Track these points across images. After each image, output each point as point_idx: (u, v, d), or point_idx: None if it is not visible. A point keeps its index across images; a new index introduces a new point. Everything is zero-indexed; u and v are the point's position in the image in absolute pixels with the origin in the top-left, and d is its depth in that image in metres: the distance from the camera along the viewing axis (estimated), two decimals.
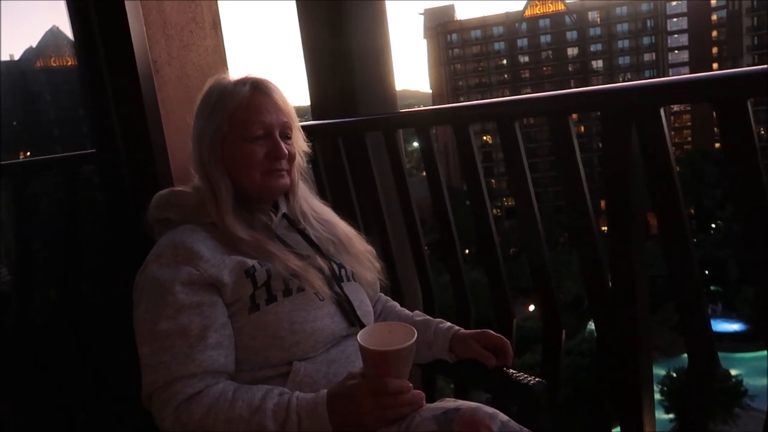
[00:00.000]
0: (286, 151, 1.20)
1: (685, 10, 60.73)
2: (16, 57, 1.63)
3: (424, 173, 1.88)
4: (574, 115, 1.49)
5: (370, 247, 1.36)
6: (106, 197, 1.72)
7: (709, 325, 1.31)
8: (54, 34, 1.66)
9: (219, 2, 1.82)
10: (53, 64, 1.74)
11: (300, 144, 1.27)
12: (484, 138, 53.24)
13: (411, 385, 0.97)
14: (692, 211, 37.71)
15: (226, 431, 0.97)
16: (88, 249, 1.82)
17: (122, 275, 1.19)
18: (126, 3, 1.47)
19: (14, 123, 1.78)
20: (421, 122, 1.90)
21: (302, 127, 1.28)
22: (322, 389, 1.00)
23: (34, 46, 1.67)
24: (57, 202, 1.86)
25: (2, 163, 1.74)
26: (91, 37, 1.50)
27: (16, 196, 1.77)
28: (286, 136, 1.22)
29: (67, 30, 1.58)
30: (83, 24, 1.51)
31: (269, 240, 1.19)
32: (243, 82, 1.21)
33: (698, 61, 57.42)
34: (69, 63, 1.71)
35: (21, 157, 1.85)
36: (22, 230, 1.72)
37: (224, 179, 1.19)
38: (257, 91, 1.20)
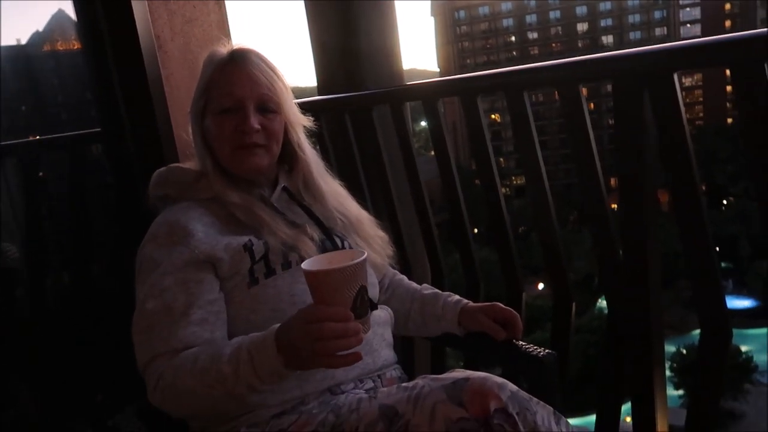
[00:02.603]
0: (257, 126, 1.13)
1: None
2: (23, 41, 1.62)
3: (433, 153, 1.85)
4: (585, 91, 1.45)
5: (382, 233, 1.32)
6: (112, 174, 1.71)
7: (723, 298, 1.29)
8: (60, 17, 1.64)
9: None
10: (60, 48, 1.73)
11: (294, 118, 1.21)
12: (493, 116, 52.80)
13: (349, 314, 0.87)
14: (704, 187, 37.41)
15: (192, 386, 0.96)
16: (97, 225, 1.82)
17: (128, 251, 1.18)
18: None
19: (23, 108, 1.78)
20: (428, 94, 1.87)
21: (308, 102, 1.25)
22: None
23: (40, 30, 1.65)
24: (65, 180, 1.85)
25: (10, 142, 1.74)
26: (92, 12, 1.48)
27: (24, 175, 1.77)
28: (266, 110, 1.15)
29: (72, 12, 1.56)
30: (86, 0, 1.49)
31: (263, 206, 1.17)
32: (226, 53, 1.17)
33: (711, 35, 56.19)
34: (75, 47, 1.69)
35: None
36: (30, 208, 1.72)
37: (207, 154, 1.17)
38: (232, 61, 1.15)
